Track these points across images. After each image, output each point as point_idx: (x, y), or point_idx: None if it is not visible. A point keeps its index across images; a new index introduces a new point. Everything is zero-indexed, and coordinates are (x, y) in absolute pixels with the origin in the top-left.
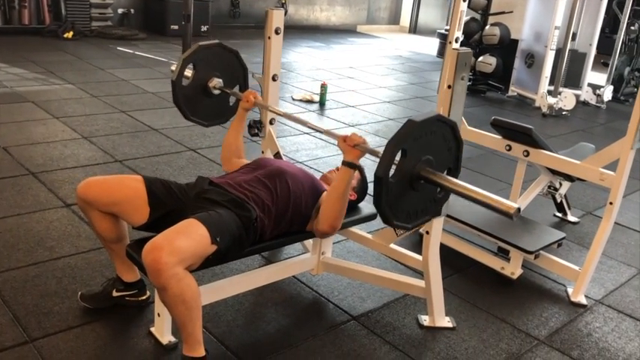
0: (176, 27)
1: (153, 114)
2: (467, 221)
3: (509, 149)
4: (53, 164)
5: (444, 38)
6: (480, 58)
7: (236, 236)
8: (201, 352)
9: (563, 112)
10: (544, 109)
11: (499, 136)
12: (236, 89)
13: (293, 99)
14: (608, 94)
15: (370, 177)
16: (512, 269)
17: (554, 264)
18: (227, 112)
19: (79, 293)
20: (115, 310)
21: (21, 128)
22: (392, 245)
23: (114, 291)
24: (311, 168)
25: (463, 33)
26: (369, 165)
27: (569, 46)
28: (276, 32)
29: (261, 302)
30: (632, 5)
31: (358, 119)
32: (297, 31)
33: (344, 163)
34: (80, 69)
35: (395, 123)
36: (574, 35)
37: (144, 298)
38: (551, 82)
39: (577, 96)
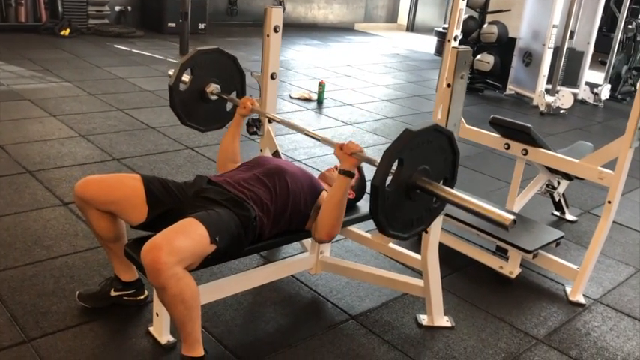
0: (173, 25)
1: (150, 112)
2: (465, 220)
3: (508, 148)
4: (50, 162)
5: (441, 36)
6: (478, 57)
7: (235, 235)
8: (200, 352)
9: (561, 111)
10: (542, 108)
11: (497, 135)
12: (233, 95)
13: (291, 97)
14: (605, 92)
15: (369, 176)
16: (511, 268)
17: (553, 263)
18: (224, 118)
19: (77, 292)
20: (113, 310)
21: (18, 126)
22: (391, 244)
23: (112, 290)
24: (309, 166)
25: (461, 31)
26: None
27: (566, 45)
28: (275, 30)
29: (260, 301)
30: (630, 4)
31: (356, 117)
32: (295, 29)
33: (341, 171)
34: (77, 67)
35: (393, 121)
36: (572, 34)
37: (142, 297)
38: (548, 81)
39: (575, 94)
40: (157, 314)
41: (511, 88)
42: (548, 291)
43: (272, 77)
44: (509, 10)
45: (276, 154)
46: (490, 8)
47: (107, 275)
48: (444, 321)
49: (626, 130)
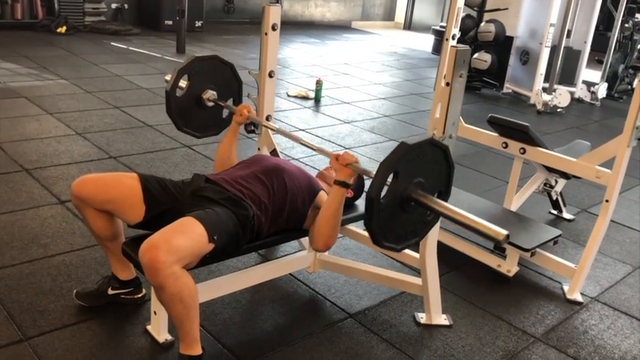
0: (170, 22)
1: (147, 110)
2: None
3: (506, 147)
4: (47, 160)
5: (439, 35)
6: (475, 55)
7: (233, 234)
8: (198, 351)
9: (558, 110)
10: (539, 107)
11: (496, 134)
12: (230, 102)
13: (288, 95)
14: (602, 91)
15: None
16: (509, 267)
17: (550, 261)
18: (220, 125)
19: (75, 291)
20: (111, 309)
21: (14, 124)
22: None
23: (109, 289)
24: (307, 165)
25: (459, 30)
26: (365, 162)
27: (564, 44)
28: (273, 28)
29: (258, 300)
30: (627, 3)
31: (354, 116)
32: (292, 27)
33: (336, 182)
34: (73, 64)
35: (390, 120)
36: (569, 32)
37: (140, 296)
38: (546, 80)
39: (572, 93)
40: (155, 313)
41: (508, 87)
42: (545, 289)
43: (270, 75)
44: (507, 9)
45: (274, 152)
46: (488, 7)
47: (104, 274)
48: (442, 319)
49: (624, 129)
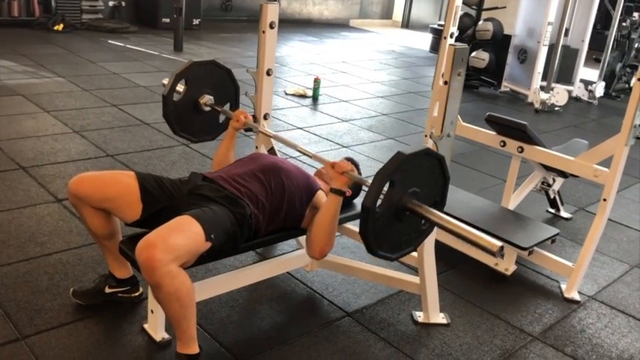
0: (167, 20)
1: (144, 108)
2: (461, 217)
3: (504, 145)
4: (44, 159)
5: (436, 33)
6: (473, 54)
7: (230, 233)
8: (195, 349)
9: (556, 108)
10: (536, 105)
11: (493, 132)
12: (227, 107)
13: (286, 93)
14: (600, 90)
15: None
16: (506, 265)
17: (548, 260)
18: (216, 129)
19: (71, 290)
20: (108, 307)
21: (11, 122)
22: None
23: (106, 287)
24: (304, 163)
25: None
26: (363, 160)
27: (561, 42)
28: (271, 26)
29: (256, 299)
30: (624, 1)
31: (351, 114)
32: (290, 25)
33: (332, 190)
34: (71, 62)
35: (388, 118)
36: (567, 31)
37: (137, 294)
38: (543, 78)
39: (569, 92)
40: (152, 311)
41: (506, 86)
42: (543, 288)
43: (268, 74)
44: (505, 7)
45: (271, 151)
46: (485, 5)
47: (101, 272)
48: (440, 318)
49: (622, 127)
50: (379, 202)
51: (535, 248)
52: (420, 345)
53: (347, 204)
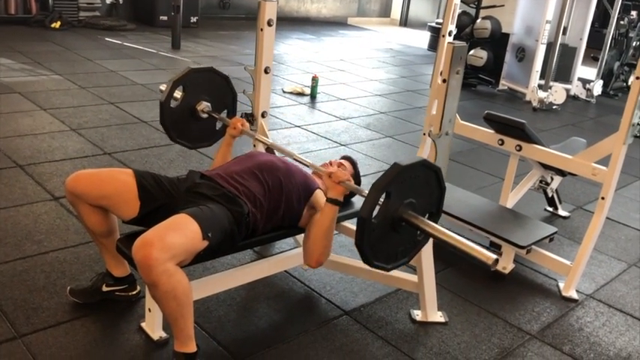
0: (165, 18)
1: (142, 106)
2: (459, 215)
3: (502, 143)
4: (41, 156)
5: (434, 31)
6: (471, 52)
7: (228, 231)
8: (193, 348)
9: (554, 107)
10: (534, 103)
11: (492, 131)
12: (224, 114)
13: (284, 91)
14: (597, 88)
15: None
16: (504, 264)
17: (546, 259)
18: (213, 136)
19: (68, 288)
20: (105, 306)
21: (7, 120)
22: None
23: (103, 286)
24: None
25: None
26: (361, 158)
27: (559, 41)
28: (269, 24)
29: (253, 297)
30: (622, 0)
31: (349, 112)
32: (288, 22)
33: (328, 199)
34: (68, 60)
35: (386, 116)
36: (565, 29)
37: (134, 293)
38: (541, 76)
39: (567, 90)
40: (150, 310)
41: (504, 84)
42: (541, 286)
43: (266, 71)
44: (503, 6)
45: (269, 149)
46: (484, 3)
47: (99, 270)
48: (438, 316)
49: (620, 126)
50: (375, 212)
51: (533, 247)
52: (418, 343)
53: (345, 202)
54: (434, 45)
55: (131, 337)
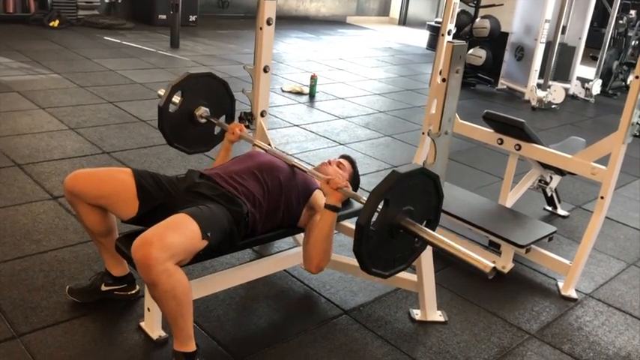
0: (164, 17)
1: (141, 105)
2: (458, 215)
3: (501, 143)
4: (39, 156)
5: (434, 30)
6: (470, 51)
7: (227, 231)
8: (192, 347)
9: (553, 106)
10: (533, 103)
11: (491, 130)
12: (222, 119)
13: (282, 90)
14: (596, 87)
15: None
16: (504, 263)
17: (545, 258)
18: (211, 141)
19: (67, 287)
20: (104, 305)
21: (6, 119)
22: None
23: (102, 285)
24: (301, 161)
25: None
26: (360, 157)
27: (558, 40)
28: (268, 23)
29: (253, 296)
30: None
31: (348, 111)
32: (287, 21)
33: (326, 206)
34: (66, 58)
35: (385, 115)
36: (564, 29)
37: (133, 292)
38: (540, 76)
39: (566, 89)
40: (149, 309)
41: (503, 83)
42: (540, 286)
43: (265, 70)
44: (502, 5)
45: None
46: (483, 2)
47: (98, 270)
48: (437, 316)
49: (620, 125)
50: (373, 219)
51: (532, 246)
52: (418, 343)
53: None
54: (433, 44)
55: (130, 336)
